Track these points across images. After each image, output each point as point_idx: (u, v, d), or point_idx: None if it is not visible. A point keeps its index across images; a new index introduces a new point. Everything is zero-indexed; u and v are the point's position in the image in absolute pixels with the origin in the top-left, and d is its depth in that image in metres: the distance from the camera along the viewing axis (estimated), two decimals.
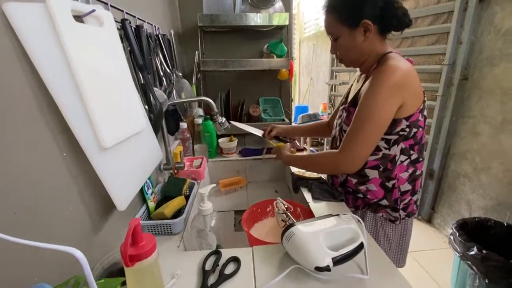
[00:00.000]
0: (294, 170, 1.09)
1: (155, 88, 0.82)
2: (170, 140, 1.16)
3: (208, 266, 0.58)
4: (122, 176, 0.56)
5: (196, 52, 1.39)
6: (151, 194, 0.80)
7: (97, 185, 0.51)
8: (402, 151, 0.76)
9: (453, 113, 1.83)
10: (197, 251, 0.65)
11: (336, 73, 3.06)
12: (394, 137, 0.74)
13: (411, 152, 0.76)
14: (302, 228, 0.59)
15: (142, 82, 0.76)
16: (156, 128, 0.78)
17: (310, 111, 3.77)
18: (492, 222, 1.40)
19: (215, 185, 0.75)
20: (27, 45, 0.38)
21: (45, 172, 0.42)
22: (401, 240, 0.86)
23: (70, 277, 0.39)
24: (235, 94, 1.53)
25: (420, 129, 0.74)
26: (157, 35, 0.95)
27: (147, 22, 0.90)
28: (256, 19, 1.33)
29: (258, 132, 1.18)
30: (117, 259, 0.54)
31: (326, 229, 0.59)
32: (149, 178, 0.80)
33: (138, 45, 0.73)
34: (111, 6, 0.66)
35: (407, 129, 0.72)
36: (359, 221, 0.62)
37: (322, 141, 3.39)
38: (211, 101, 0.92)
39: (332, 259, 0.53)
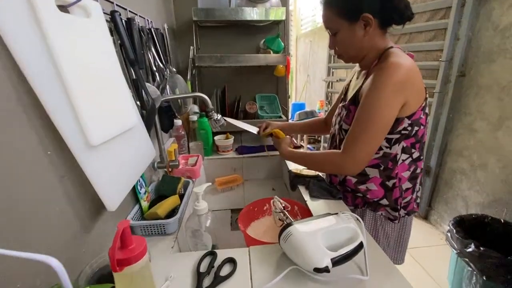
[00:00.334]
0: (292, 167, 1.08)
1: (147, 84, 0.79)
2: (164, 138, 1.13)
3: (203, 268, 0.56)
4: (112, 175, 0.54)
5: (191, 48, 1.35)
6: (144, 193, 0.78)
7: (86, 185, 0.48)
8: (404, 150, 0.74)
9: (450, 110, 1.82)
10: (191, 252, 0.63)
11: (333, 70, 3.04)
12: (396, 136, 0.72)
13: (413, 150, 0.74)
14: (300, 228, 0.57)
15: (134, 77, 0.73)
16: (149, 125, 0.75)
17: (307, 109, 3.76)
18: (489, 219, 1.40)
19: (210, 184, 0.73)
20: (6, 34, 0.35)
21: (26, 172, 0.39)
22: (400, 237, 0.84)
23: (55, 283, 0.37)
24: (231, 90, 1.50)
25: (422, 127, 0.72)
26: (149, 29, 0.92)
27: (139, 16, 0.87)
28: (252, 13, 1.30)
29: (253, 130, 1.16)
30: (107, 261, 0.52)
31: (325, 229, 0.57)
32: (142, 177, 0.78)
33: (129, 39, 0.70)
34: None
35: (409, 128, 0.71)
36: (358, 220, 0.60)
37: (319, 138, 3.38)
38: (206, 97, 0.89)
39: (331, 259, 0.51)
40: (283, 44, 1.43)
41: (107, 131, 0.52)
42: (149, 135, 0.76)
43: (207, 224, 0.67)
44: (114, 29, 0.65)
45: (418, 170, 0.78)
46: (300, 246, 0.54)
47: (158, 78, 0.93)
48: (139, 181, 0.75)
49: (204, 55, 1.33)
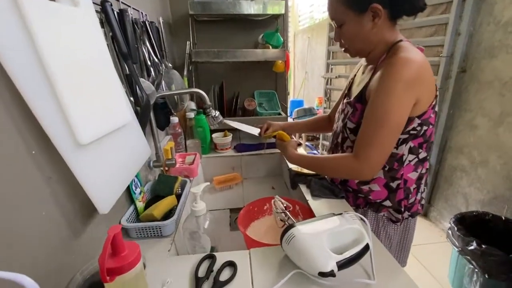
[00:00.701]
0: (292, 165, 1.05)
1: (142, 79, 0.75)
2: (161, 136, 1.10)
3: (201, 273, 0.54)
4: (104, 175, 0.51)
5: (187, 42, 1.32)
6: (140, 193, 0.74)
7: (76, 186, 0.45)
8: (410, 150, 0.70)
9: (451, 106, 1.80)
10: (189, 255, 0.60)
11: (332, 66, 3.01)
12: (404, 136, 0.68)
13: (420, 150, 0.71)
14: (303, 229, 0.54)
15: (127, 72, 0.70)
16: (143, 122, 0.72)
17: (306, 105, 3.73)
18: (490, 216, 1.39)
19: (208, 183, 0.70)
20: None
21: (7, 173, 0.36)
22: (402, 239, 0.82)
23: None
24: (229, 87, 1.47)
25: (431, 126, 0.69)
26: (144, 22, 0.88)
27: (133, 8, 0.83)
28: (250, 7, 1.26)
29: (254, 131, 1.12)
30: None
31: (329, 230, 0.54)
32: (137, 176, 0.74)
33: (121, 31, 0.66)
34: None
35: (418, 128, 0.67)
36: (363, 220, 0.58)
37: (318, 136, 3.35)
38: (203, 93, 0.86)
39: (337, 263, 0.49)
40: (282, 39, 1.40)
41: (98, 128, 0.49)
42: (144, 133, 0.73)
43: (206, 225, 0.64)
44: (105, 20, 0.61)
45: (424, 171, 0.75)
46: (303, 249, 0.51)
47: (153, 73, 0.89)
48: (134, 181, 0.72)
49: (201, 50, 1.29)
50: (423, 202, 0.80)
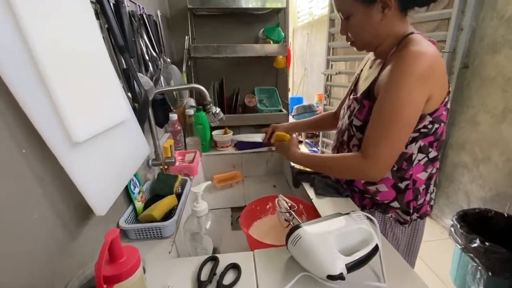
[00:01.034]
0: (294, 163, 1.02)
1: (139, 74, 0.72)
2: (159, 133, 1.07)
3: (204, 276, 0.51)
4: (101, 175, 0.48)
5: (186, 37, 1.28)
6: (139, 193, 0.72)
7: (71, 186, 0.42)
8: (420, 149, 0.67)
9: (452, 103, 1.78)
10: (191, 257, 0.58)
11: (332, 63, 2.98)
12: (414, 134, 0.65)
13: (430, 149, 0.67)
14: (309, 230, 0.52)
15: (125, 66, 0.67)
16: (142, 119, 0.69)
17: (305, 103, 3.71)
18: (492, 213, 1.38)
19: (209, 182, 0.68)
20: None
21: None
22: (411, 241, 0.79)
23: None
24: (229, 83, 1.44)
25: (442, 124, 0.65)
26: (141, 15, 0.85)
27: (130, 0, 0.80)
28: (250, 1, 1.23)
29: (258, 138, 1.08)
30: None
31: (337, 231, 0.52)
32: (135, 176, 0.72)
33: (118, 23, 0.63)
34: None
35: (430, 126, 0.64)
36: (372, 221, 0.56)
37: (318, 133, 3.33)
38: (203, 89, 0.83)
39: (346, 265, 0.47)
40: (283, 33, 1.36)
41: (94, 125, 0.46)
42: (143, 130, 0.70)
43: (207, 226, 0.62)
44: (100, 11, 0.58)
45: (434, 170, 0.71)
46: (310, 250, 0.49)
47: (151, 68, 0.86)
48: (133, 180, 0.70)
49: (200, 46, 1.25)
50: (432, 203, 0.76)
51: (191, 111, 1.16)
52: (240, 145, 1.25)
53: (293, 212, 0.64)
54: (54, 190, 0.43)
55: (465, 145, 1.75)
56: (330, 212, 0.73)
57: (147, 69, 0.85)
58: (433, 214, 2.03)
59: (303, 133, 3.30)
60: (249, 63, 1.45)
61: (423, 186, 0.71)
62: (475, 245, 1.18)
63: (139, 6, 0.87)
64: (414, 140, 0.66)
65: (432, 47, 0.60)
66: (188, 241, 0.63)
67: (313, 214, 0.75)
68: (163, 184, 0.79)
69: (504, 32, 1.47)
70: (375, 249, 0.51)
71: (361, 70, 0.81)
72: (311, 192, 0.82)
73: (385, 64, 0.66)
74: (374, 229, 0.54)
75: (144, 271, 0.49)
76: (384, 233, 0.77)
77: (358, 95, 0.72)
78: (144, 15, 0.87)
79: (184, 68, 1.27)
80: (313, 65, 3.99)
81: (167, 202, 0.71)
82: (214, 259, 0.55)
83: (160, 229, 0.63)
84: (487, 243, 1.15)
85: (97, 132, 0.46)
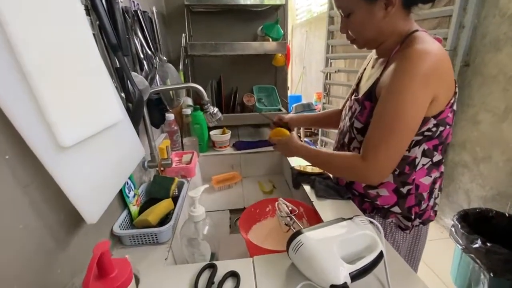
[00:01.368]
0: (294, 164, 1.00)
1: (134, 73, 0.70)
2: (155, 134, 1.04)
3: (201, 285, 0.49)
4: (92, 181, 0.45)
5: (183, 35, 1.25)
6: (134, 196, 0.69)
7: (60, 193, 0.40)
8: (424, 153, 0.64)
9: None
10: (188, 265, 0.55)
11: (331, 61, 2.95)
12: (417, 138, 0.62)
13: (434, 153, 0.64)
14: (311, 236, 0.50)
15: (118, 65, 0.64)
16: (136, 119, 0.66)
17: (304, 101, 3.68)
18: (493, 213, 1.37)
19: (207, 185, 0.65)
20: None
21: None
22: (412, 247, 0.76)
23: None
24: (227, 81, 1.41)
25: (448, 126, 0.62)
26: (135, 11, 0.82)
27: None
28: None
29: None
30: None
31: (340, 237, 0.50)
32: (130, 178, 0.69)
33: (110, 20, 0.60)
34: None
35: (434, 129, 0.61)
36: (375, 225, 0.54)
37: (316, 132, 3.31)
38: (200, 88, 0.80)
39: (350, 274, 0.45)
40: (282, 31, 1.34)
41: (83, 128, 0.44)
42: (137, 132, 0.68)
43: (205, 231, 0.60)
44: (91, 7, 0.55)
45: (438, 175, 0.68)
46: (313, 258, 0.47)
47: (146, 67, 0.83)
48: (127, 184, 0.67)
49: (197, 43, 1.22)
50: (436, 208, 0.73)
51: (188, 111, 1.13)
52: (239, 145, 1.23)
53: (293, 217, 0.62)
54: (41, 198, 0.40)
55: (466, 144, 1.73)
56: (332, 215, 0.71)
57: (142, 68, 0.82)
58: None
59: (302, 132, 3.27)
60: (248, 61, 1.43)
61: (427, 191, 0.68)
62: (476, 245, 1.16)
63: (133, 2, 0.84)
64: (417, 143, 0.63)
65: (437, 45, 0.57)
66: (185, 247, 0.61)
67: (314, 217, 0.73)
68: (159, 187, 0.77)
69: (506, 30, 1.45)
70: (380, 256, 0.49)
71: (364, 70, 0.78)
72: (311, 194, 0.80)
73: (388, 63, 0.63)
74: (378, 234, 0.52)
75: (139, 281, 0.47)
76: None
77: (360, 96, 0.70)
78: (138, 12, 0.84)
79: (180, 67, 1.24)
80: (312, 63, 3.96)
81: (163, 206, 0.69)
82: (212, 267, 0.53)
83: (156, 235, 0.61)
84: (488, 244, 1.13)
85: (86, 135, 0.44)
